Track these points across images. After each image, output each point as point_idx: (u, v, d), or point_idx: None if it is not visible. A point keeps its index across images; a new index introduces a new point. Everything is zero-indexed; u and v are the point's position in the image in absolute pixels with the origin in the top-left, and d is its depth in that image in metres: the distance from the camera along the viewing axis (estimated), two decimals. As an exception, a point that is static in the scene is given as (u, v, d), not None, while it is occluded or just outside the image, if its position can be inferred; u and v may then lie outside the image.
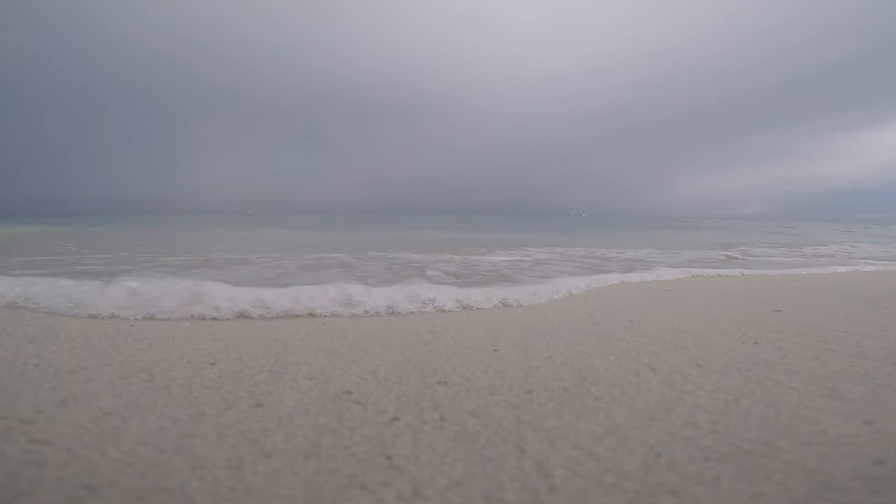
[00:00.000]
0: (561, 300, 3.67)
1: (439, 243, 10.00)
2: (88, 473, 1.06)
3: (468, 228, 18.73)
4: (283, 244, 9.69)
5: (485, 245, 9.55)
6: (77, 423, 1.31)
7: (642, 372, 1.84)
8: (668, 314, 3.04)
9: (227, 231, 15.64)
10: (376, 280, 4.54)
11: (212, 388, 1.60)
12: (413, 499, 0.99)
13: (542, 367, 1.90)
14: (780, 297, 3.81)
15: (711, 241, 12.97)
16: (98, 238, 11.16)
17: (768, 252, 9.74)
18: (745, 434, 1.29)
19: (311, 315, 2.89)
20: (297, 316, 2.87)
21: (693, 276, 5.37)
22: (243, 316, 2.82)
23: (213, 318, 2.76)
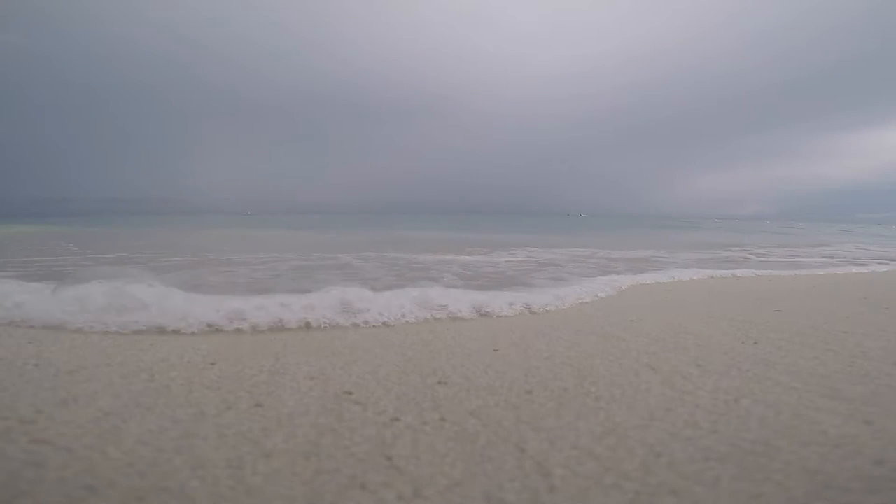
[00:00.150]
0: (590, 303, 3.47)
1: (440, 244, 9.96)
2: (88, 473, 1.06)
3: (468, 228, 18.74)
4: (284, 245, 9.67)
5: (485, 245, 9.50)
6: (77, 423, 1.31)
7: (642, 372, 1.84)
8: (668, 314, 3.04)
9: (225, 231, 15.65)
10: (380, 284, 4.31)
11: (212, 389, 1.60)
12: (413, 499, 0.99)
13: (542, 367, 1.90)
14: (780, 297, 3.81)
15: (716, 241, 12.94)
16: (97, 238, 11.16)
17: (776, 252, 9.70)
18: (745, 434, 1.29)
19: (308, 326, 2.56)
20: (287, 329, 2.50)
21: (711, 276, 5.27)
22: (217, 330, 2.44)
23: (177, 331, 2.39)
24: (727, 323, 2.77)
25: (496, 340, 2.32)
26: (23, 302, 2.67)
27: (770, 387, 1.68)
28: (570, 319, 2.89)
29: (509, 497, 1.00)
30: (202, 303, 2.71)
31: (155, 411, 1.41)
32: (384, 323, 2.66)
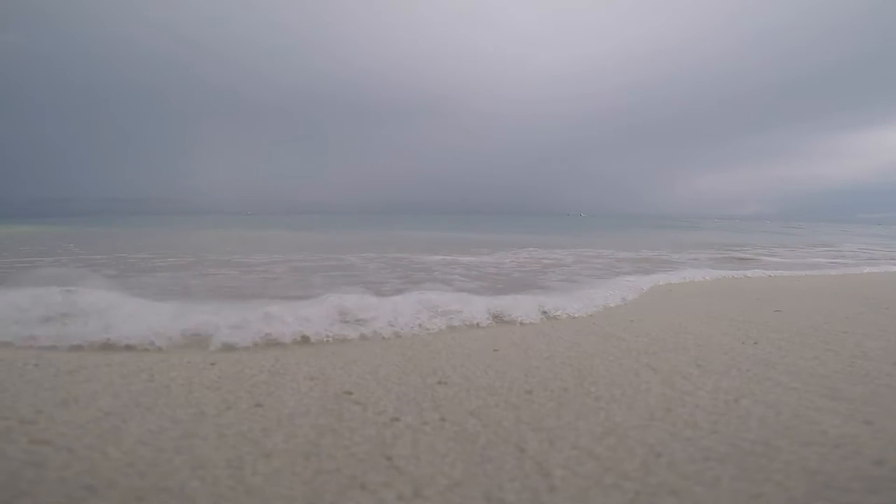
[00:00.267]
0: (616, 308, 3.28)
1: (441, 244, 9.86)
2: (89, 473, 1.06)
3: (468, 228, 18.72)
4: (283, 245, 9.64)
5: (487, 245, 9.34)
6: (77, 424, 1.31)
7: (642, 372, 1.84)
8: (668, 314, 3.04)
9: (224, 232, 15.64)
10: (385, 288, 4.00)
11: (212, 389, 1.61)
12: (413, 499, 0.99)
13: (542, 367, 1.90)
14: (780, 298, 3.81)
15: (719, 241, 12.87)
16: (96, 238, 11.15)
17: (780, 252, 9.66)
18: (745, 434, 1.29)
19: (304, 339, 2.23)
20: (276, 344, 2.17)
21: (733, 277, 5.19)
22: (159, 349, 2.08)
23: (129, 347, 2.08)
24: (727, 323, 2.76)
25: (496, 340, 2.32)
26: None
27: (770, 387, 1.68)
28: (599, 326, 2.69)
29: (509, 497, 1.00)
30: (160, 313, 2.36)
31: (155, 411, 1.41)
32: (395, 333, 2.40)
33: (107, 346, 2.07)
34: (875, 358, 2.05)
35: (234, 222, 24.62)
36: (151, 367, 1.81)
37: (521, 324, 2.70)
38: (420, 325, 2.51)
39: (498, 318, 2.73)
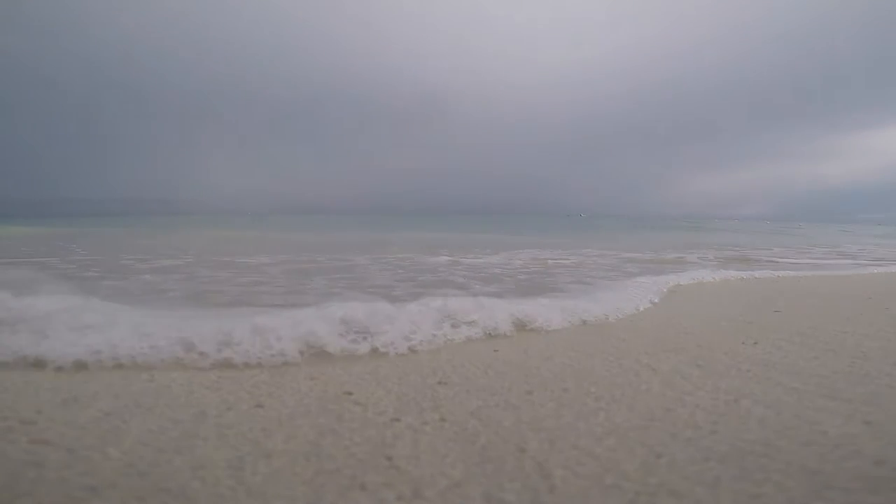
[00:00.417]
0: (646, 311, 3.14)
1: (441, 245, 9.71)
2: (89, 474, 1.06)
3: (467, 229, 18.69)
4: (285, 245, 9.63)
5: (489, 246, 9.16)
6: (78, 424, 1.31)
7: (642, 372, 1.84)
8: (669, 314, 3.04)
9: (225, 232, 15.65)
10: (394, 293, 3.75)
11: (212, 389, 1.61)
12: (413, 499, 0.99)
13: (543, 367, 1.90)
14: (780, 298, 3.81)
15: (722, 241, 12.85)
16: (95, 239, 11.15)
17: (784, 253, 9.61)
18: (745, 434, 1.29)
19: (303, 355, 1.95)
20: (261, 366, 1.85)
21: (742, 278, 5.13)
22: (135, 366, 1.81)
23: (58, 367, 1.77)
24: (727, 323, 2.76)
25: (496, 341, 2.32)
26: None
27: (770, 387, 1.68)
28: (641, 331, 2.56)
29: (509, 497, 1.00)
30: (124, 323, 2.03)
31: (155, 412, 1.41)
32: (411, 348, 2.11)
33: (38, 364, 1.79)
34: (875, 358, 2.05)
35: (234, 223, 24.61)
36: (152, 368, 1.81)
37: (547, 331, 2.50)
38: (435, 336, 2.24)
39: (521, 326, 2.51)
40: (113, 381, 1.66)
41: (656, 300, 3.51)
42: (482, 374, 1.81)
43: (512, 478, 1.07)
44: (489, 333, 2.37)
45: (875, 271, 6.32)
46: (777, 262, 7.64)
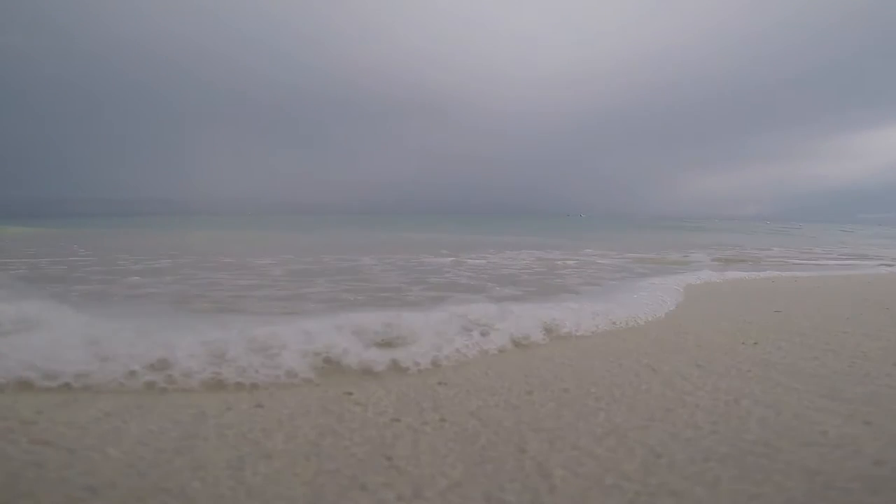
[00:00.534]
0: (675, 312, 3.04)
1: (443, 245, 9.52)
2: (89, 474, 1.06)
3: (468, 230, 18.61)
4: (285, 246, 9.62)
5: (491, 247, 8.93)
6: (78, 424, 1.31)
7: (642, 372, 1.84)
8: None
9: (224, 232, 15.65)
10: (407, 298, 3.55)
11: (212, 389, 1.60)
12: (413, 500, 0.99)
13: (543, 367, 1.90)
14: (780, 298, 3.81)
15: (726, 242, 12.81)
16: (92, 239, 11.15)
17: (788, 253, 9.57)
18: (745, 435, 1.29)
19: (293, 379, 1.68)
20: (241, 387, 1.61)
21: (743, 278, 5.10)
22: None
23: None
24: (727, 323, 2.76)
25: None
26: None
27: (770, 387, 1.68)
28: (683, 333, 2.49)
29: (509, 498, 1.00)
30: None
31: (155, 412, 1.41)
32: (433, 361, 1.90)
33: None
34: (875, 358, 2.05)
35: (233, 223, 24.60)
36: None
37: (579, 337, 2.37)
38: (460, 349, 2.01)
39: (551, 332, 2.33)
40: (113, 381, 1.66)
41: (681, 300, 3.41)
42: (482, 374, 1.81)
43: (512, 478, 1.07)
44: (517, 342, 2.19)
45: (875, 271, 6.32)
46: (777, 262, 7.61)
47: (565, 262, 6.42)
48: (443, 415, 1.43)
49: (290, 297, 3.57)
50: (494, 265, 6.02)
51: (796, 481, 1.05)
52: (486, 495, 1.00)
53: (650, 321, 2.76)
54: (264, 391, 1.59)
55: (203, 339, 1.74)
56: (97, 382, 1.57)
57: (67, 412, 1.39)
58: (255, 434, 1.28)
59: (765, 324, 2.75)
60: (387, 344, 1.95)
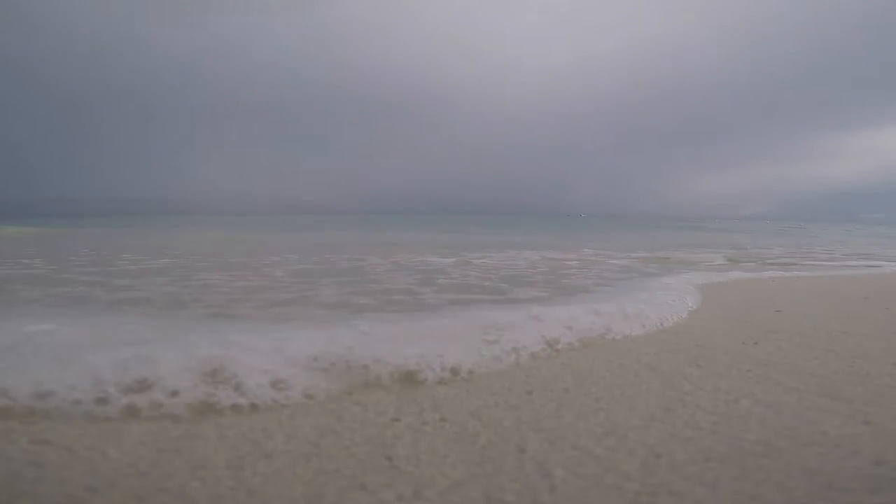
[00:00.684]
0: (700, 311, 3.01)
1: (444, 245, 9.32)
2: (89, 474, 1.06)
3: (468, 230, 18.56)
4: (287, 246, 9.61)
5: (492, 247, 8.79)
6: (77, 423, 1.31)
7: (643, 372, 1.84)
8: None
9: (224, 232, 15.64)
10: (417, 297, 3.44)
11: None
12: (413, 500, 0.99)
13: (543, 367, 1.90)
14: (781, 297, 3.80)
15: (728, 242, 12.77)
16: (93, 239, 11.15)
17: (788, 253, 9.52)
18: (745, 435, 1.29)
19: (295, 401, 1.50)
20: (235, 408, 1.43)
21: (745, 278, 5.05)
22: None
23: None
24: (727, 323, 2.76)
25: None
26: None
27: (770, 387, 1.68)
28: (717, 331, 2.49)
29: (509, 498, 1.00)
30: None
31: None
32: (470, 372, 1.78)
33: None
34: (875, 358, 2.05)
35: (234, 222, 24.59)
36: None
37: (615, 339, 2.30)
38: (489, 358, 1.87)
39: (583, 338, 2.23)
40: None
41: (700, 300, 3.36)
42: (482, 374, 1.81)
43: (512, 478, 1.07)
44: (556, 348, 2.11)
45: (875, 271, 6.31)
46: (779, 262, 7.59)
47: (569, 262, 6.34)
48: (443, 415, 1.43)
49: (294, 301, 3.34)
50: (500, 265, 5.87)
51: (796, 481, 1.05)
52: (486, 495, 1.00)
53: (676, 323, 2.70)
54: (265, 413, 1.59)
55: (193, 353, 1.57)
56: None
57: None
58: (255, 434, 1.28)
59: (765, 323, 2.75)
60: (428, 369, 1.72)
